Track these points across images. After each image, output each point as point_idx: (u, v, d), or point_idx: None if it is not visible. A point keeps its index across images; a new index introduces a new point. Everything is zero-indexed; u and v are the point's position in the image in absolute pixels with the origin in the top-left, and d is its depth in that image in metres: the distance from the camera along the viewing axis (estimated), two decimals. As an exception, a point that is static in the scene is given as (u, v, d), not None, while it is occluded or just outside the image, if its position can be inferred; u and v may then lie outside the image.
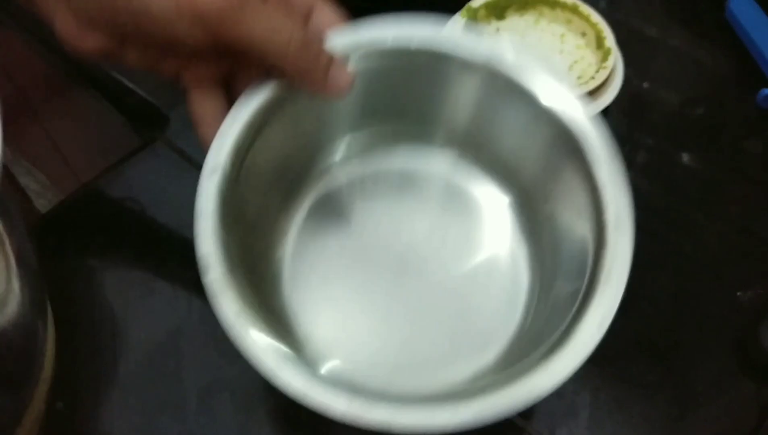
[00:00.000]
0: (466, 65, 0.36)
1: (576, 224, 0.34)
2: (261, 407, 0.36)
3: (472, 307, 0.37)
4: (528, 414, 0.36)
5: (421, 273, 0.38)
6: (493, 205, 0.41)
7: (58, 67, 0.56)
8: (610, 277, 0.29)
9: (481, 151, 0.40)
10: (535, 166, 0.38)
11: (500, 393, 0.26)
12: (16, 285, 0.30)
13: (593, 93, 0.48)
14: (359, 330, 0.37)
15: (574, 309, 0.29)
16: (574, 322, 0.28)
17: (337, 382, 0.27)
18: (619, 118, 0.50)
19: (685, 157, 0.48)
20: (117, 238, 0.43)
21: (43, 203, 0.62)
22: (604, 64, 0.48)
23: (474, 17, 0.51)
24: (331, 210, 0.40)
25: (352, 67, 0.33)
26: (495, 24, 0.54)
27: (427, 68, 0.36)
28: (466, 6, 0.52)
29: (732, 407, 0.37)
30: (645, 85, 0.53)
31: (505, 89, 0.35)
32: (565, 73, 0.51)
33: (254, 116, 0.33)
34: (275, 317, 0.37)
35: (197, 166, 0.31)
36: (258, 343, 0.27)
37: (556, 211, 0.37)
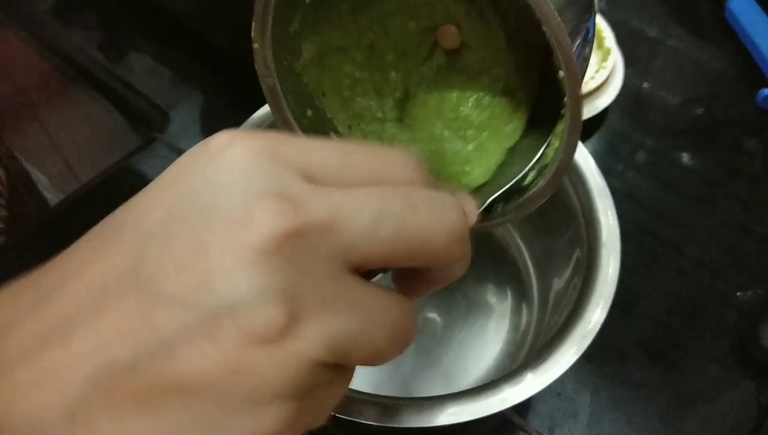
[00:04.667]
0: None
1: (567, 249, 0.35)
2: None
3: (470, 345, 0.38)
4: (528, 413, 0.36)
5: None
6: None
7: (58, 67, 0.56)
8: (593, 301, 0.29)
9: None
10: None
11: (463, 401, 0.27)
12: None
13: (593, 93, 0.48)
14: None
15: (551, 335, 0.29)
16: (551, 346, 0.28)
17: None
18: (619, 118, 0.50)
19: (685, 157, 0.48)
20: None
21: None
22: (604, 64, 0.48)
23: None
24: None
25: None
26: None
27: None
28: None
29: (732, 407, 0.37)
30: (645, 85, 0.53)
31: None
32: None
33: None
34: None
35: (197, 166, 0.31)
36: None
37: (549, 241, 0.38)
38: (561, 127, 0.23)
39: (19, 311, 0.15)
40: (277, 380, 0.13)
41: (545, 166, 0.24)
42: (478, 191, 0.26)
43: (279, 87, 0.26)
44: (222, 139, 0.15)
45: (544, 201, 0.24)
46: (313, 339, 0.14)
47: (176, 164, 0.16)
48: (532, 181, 0.25)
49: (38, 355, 0.14)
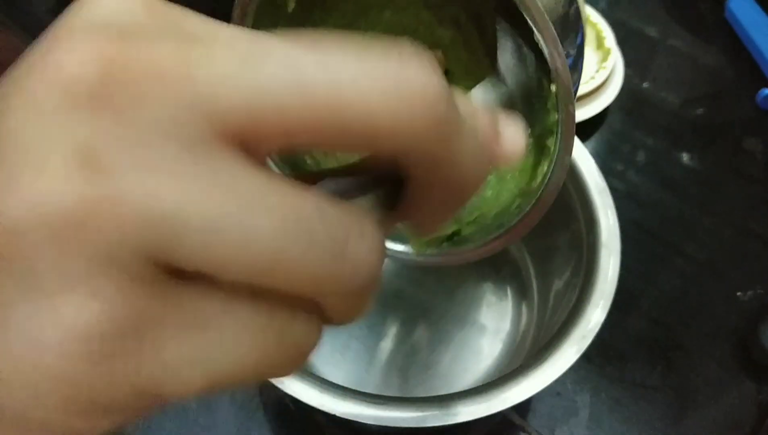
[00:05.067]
0: None
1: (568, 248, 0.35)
2: (259, 407, 0.36)
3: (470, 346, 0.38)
4: (528, 413, 0.36)
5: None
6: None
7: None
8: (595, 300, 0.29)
9: None
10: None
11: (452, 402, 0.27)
12: None
13: (593, 93, 0.48)
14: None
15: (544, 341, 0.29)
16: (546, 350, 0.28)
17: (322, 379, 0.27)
18: (619, 118, 0.50)
19: (685, 157, 0.48)
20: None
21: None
22: (604, 64, 0.48)
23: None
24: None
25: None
26: (495, 24, 0.54)
27: None
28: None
29: (732, 407, 0.37)
30: (645, 85, 0.53)
31: None
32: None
33: None
34: None
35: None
36: None
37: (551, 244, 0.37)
38: (552, 149, 0.23)
39: None
40: (77, 264, 0.09)
41: (535, 190, 0.24)
42: (475, 222, 0.26)
43: None
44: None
45: (537, 222, 0.24)
46: (128, 211, 0.09)
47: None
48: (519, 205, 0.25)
49: None
